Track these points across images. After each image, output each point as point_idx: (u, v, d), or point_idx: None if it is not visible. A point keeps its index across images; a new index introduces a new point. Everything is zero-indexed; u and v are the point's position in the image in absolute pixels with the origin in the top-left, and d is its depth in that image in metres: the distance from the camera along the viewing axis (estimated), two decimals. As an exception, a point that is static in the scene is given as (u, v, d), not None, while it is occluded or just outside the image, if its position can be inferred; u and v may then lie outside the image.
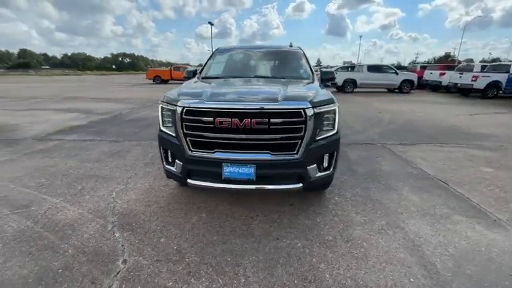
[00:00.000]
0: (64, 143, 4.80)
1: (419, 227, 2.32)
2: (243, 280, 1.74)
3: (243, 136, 2.12)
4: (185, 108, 2.17)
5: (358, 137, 5.39)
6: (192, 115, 2.16)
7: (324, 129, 2.29)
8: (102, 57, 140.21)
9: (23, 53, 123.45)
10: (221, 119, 2.08)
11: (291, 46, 4.00)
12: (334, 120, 2.34)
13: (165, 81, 25.45)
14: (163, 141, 2.43)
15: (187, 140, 2.23)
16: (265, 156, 2.16)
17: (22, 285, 1.67)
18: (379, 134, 5.63)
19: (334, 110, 2.32)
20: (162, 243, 2.10)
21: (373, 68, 15.01)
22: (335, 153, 2.40)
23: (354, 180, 3.30)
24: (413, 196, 2.90)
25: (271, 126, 2.09)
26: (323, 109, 2.22)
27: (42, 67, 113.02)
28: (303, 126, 2.12)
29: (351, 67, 16.92)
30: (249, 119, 2.06)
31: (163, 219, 2.42)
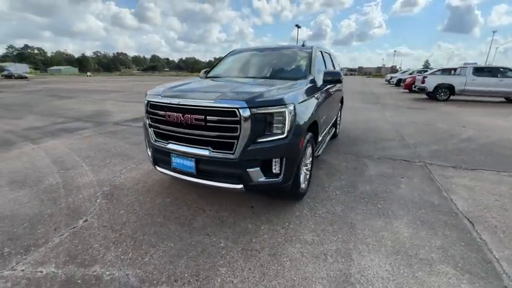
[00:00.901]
0: (128, 128, 6.06)
1: (374, 266, 1.87)
2: (147, 259, 1.90)
3: (186, 131, 2.25)
4: (149, 102, 2.48)
5: (399, 151, 4.50)
6: (152, 108, 2.45)
7: (268, 132, 2.15)
8: (207, 60, 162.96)
9: (154, 58, 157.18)
10: (169, 113, 2.29)
11: (303, 46, 3.77)
12: (283, 123, 2.15)
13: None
14: (144, 130, 2.83)
15: (152, 130, 2.54)
16: (204, 152, 2.22)
17: (21, 208, 2.38)
18: (433, 151, 4.50)
19: (281, 112, 2.13)
20: (119, 214, 2.49)
21: (483, 71, 11.73)
22: (284, 159, 2.21)
23: (343, 198, 2.87)
24: (405, 229, 2.30)
25: (207, 124, 2.15)
26: (264, 110, 2.09)
27: (165, 69, 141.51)
28: (238, 126, 2.06)
29: (451, 70, 13.77)
30: (189, 115, 2.18)
31: (136, 197, 2.83)
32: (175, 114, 2.25)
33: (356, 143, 5.08)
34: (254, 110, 2.05)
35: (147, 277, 1.75)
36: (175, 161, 2.36)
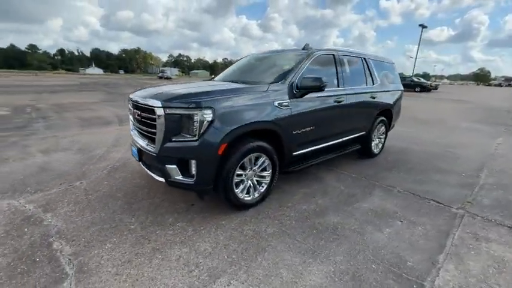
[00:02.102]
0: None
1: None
2: (78, 220, 2.40)
3: (136, 123, 2.62)
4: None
5: (443, 190, 3.25)
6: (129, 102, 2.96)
7: (184, 132, 2.19)
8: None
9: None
10: (129, 106, 2.72)
11: (303, 49, 3.34)
12: (195, 126, 2.14)
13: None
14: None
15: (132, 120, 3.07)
16: (142, 143, 2.51)
17: (61, 166, 3.43)
18: (505, 202, 2.99)
19: (192, 114, 2.12)
20: (102, 184, 3.16)
21: None
22: (195, 161, 2.19)
23: (290, 223, 2.47)
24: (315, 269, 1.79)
25: (142, 119, 2.43)
26: (176, 111, 2.15)
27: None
28: (154, 123, 2.23)
29: None
30: (134, 110, 2.53)
31: (126, 175, 3.46)
32: (131, 107, 2.67)
33: (392, 167, 4.04)
34: (167, 110, 2.17)
35: (65, 230, 2.23)
36: (132, 147, 2.79)
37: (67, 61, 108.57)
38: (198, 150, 2.17)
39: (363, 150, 4.32)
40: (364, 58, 3.98)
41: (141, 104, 2.42)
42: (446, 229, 2.44)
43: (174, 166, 2.27)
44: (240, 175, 2.53)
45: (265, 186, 2.77)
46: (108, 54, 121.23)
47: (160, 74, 51.56)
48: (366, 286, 1.75)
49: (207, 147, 2.17)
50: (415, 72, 44.56)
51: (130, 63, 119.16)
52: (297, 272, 1.86)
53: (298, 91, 2.78)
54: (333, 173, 3.78)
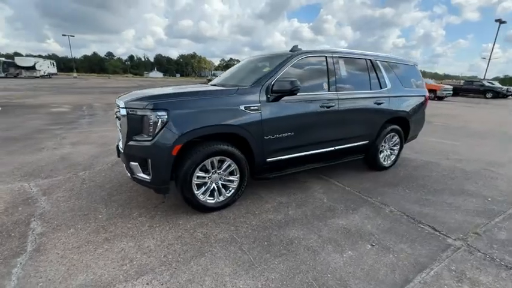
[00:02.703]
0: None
1: (142, 295, 1.64)
2: (55, 203, 2.72)
3: (117, 123, 2.86)
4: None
5: (451, 216, 2.71)
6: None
7: (143, 132, 2.30)
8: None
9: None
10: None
11: (291, 50, 3.14)
12: (150, 126, 2.23)
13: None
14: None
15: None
16: (119, 141, 2.73)
17: (78, 157, 3.96)
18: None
19: (146, 116, 2.22)
20: (101, 176, 3.51)
21: None
22: (150, 160, 2.28)
23: (245, 231, 2.38)
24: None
25: (116, 118, 2.64)
26: (135, 112, 2.28)
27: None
28: (120, 122, 2.40)
29: None
30: (115, 110, 2.77)
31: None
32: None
33: (399, 182, 3.56)
34: (128, 110, 2.33)
35: (47, 213, 2.55)
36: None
37: (135, 66, 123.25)
38: (152, 150, 2.26)
39: (368, 162, 3.91)
40: (370, 60, 3.59)
41: (116, 105, 2.64)
42: (425, 262, 2.04)
43: (136, 163, 2.41)
44: (203, 177, 2.54)
45: (232, 191, 2.73)
46: (168, 60, 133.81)
47: (209, 77, 54.86)
48: (285, 310, 1.59)
49: (161, 147, 2.25)
50: (495, 75, 38.03)
51: (186, 67, 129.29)
52: (221, 283, 1.78)
53: (271, 95, 2.67)
54: (325, 183, 3.50)
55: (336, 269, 1.94)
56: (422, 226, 2.54)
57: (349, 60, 3.41)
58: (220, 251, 2.10)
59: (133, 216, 2.56)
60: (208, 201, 2.61)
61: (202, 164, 2.47)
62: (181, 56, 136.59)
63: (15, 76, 35.12)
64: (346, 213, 2.74)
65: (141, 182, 2.45)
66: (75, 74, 49.62)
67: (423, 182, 3.63)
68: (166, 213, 2.64)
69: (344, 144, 3.42)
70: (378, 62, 3.66)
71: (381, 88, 3.64)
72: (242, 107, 2.54)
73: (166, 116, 2.23)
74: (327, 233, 2.38)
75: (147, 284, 1.75)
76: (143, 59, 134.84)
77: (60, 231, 2.29)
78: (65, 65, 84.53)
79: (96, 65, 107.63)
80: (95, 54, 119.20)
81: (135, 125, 2.33)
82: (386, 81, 3.70)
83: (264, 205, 2.86)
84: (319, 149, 3.21)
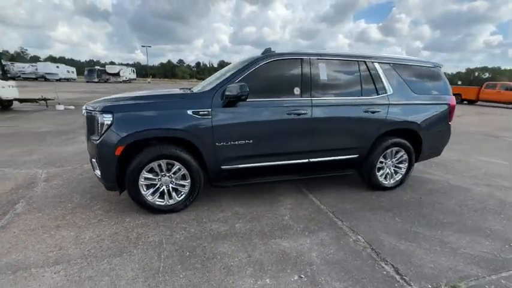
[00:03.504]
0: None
1: (43, 282, 1.77)
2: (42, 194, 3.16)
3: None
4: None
5: (440, 261, 2.09)
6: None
7: (94, 132, 2.48)
8: (455, 72, 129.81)
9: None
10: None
11: (262, 53, 2.89)
12: (98, 127, 2.39)
13: (471, 102, 20.11)
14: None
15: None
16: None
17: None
18: None
19: (94, 117, 2.39)
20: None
21: None
22: (97, 160, 2.45)
23: (179, 238, 2.33)
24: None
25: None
26: (89, 113, 2.48)
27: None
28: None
29: None
30: None
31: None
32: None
33: (393, 207, 2.97)
34: (86, 112, 2.55)
35: (36, 196, 3.00)
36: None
37: (200, 71, 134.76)
38: (99, 149, 2.43)
39: (364, 179, 3.38)
40: (364, 61, 3.09)
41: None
42: (352, 310, 1.64)
43: (94, 161, 2.63)
44: (152, 179, 2.60)
45: (183, 196, 2.71)
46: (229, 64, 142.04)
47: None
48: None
49: (104, 147, 2.40)
50: None
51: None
52: (114, 285, 1.78)
53: (224, 100, 2.56)
54: (300, 197, 3.16)
55: (238, 295, 1.73)
56: (383, 265, 2.05)
57: (334, 62, 3.01)
58: (139, 254, 2.10)
59: (93, 209, 2.79)
60: (157, 202, 2.65)
61: (150, 166, 2.53)
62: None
63: (105, 81, 42.50)
64: (298, 235, 2.42)
65: (98, 178, 2.66)
66: (149, 79, 57.16)
67: (428, 211, 2.94)
68: (123, 209, 2.79)
69: (322, 157, 3.03)
70: (375, 64, 3.13)
71: (378, 94, 3.10)
72: (190, 112, 2.51)
73: (111, 119, 2.37)
74: (259, 254, 2.14)
75: (55, 273, 1.88)
76: (208, 65, 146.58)
77: (31, 213, 2.66)
78: (145, 71, 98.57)
79: (169, 71, 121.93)
80: (168, 61, 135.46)
81: (90, 125, 2.54)
82: (386, 86, 3.13)
83: (217, 214, 2.75)
84: (289, 160, 2.92)
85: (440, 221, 2.73)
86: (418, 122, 3.26)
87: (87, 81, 39.73)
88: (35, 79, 37.85)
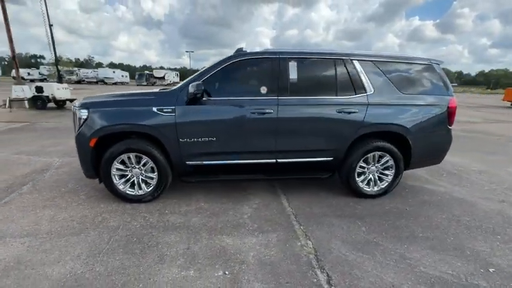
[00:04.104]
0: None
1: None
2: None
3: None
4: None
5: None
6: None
7: (76, 126, 2.81)
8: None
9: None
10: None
11: (234, 52, 2.90)
12: (77, 121, 2.71)
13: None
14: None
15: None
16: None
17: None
18: None
19: (75, 112, 2.70)
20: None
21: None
22: (76, 148, 2.77)
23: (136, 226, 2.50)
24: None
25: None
26: (74, 110, 2.80)
27: (452, 84, 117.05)
28: (74, 117, 3.00)
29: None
30: None
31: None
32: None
33: (366, 215, 2.74)
34: (72, 108, 2.90)
35: (40, 181, 3.49)
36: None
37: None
38: (76, 141, 2.75)
39: (344, 184, 3.18)
40: (342, 59, 2.91)
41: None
42: (256, 311, 1.59)
43: (78, 151, 2.98)
44: (123, 170, 2.84)
45: (152, 188, 2.89)
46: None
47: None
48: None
49: (81, 139, 2.70)
50: None
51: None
52: (60, 260, 2.00)
53: (187, 99, 2.68)
54: (270, 198, 3.12)
55: (159, 282, 1.81)
56: (317, 273, 1.93)
57: (307, 61, 2.91)
58: (94, 236, 2.32)
59: (79, 194, 3.14)
60: (127, 192, 2.88)
61: (121, 158, 2.78)
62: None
63: (153, 84, 46.50)
64: (247, 234, 2.40)
65: (81, 166, 3.01)
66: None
67: (405, 223, 2.64)
68: (103, 196, 3.08)
69: (291, 158, 2.94)
70: (354, 62, 2.92)
71: (355, 94, 2.90)
72: (155, 109, 2.68)
73: (86, 114, 2.67)
74: (198, 248, 2.20)
75: (21, 243, 2.19)
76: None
77: (31, 194, 3.11)
78: (189, 75, 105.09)
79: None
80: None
81: (75, 120, 2.89)
82: (366, 86, 2.91)
83: (182, 207, 2.88)
84: (255, 160, 2.91)
85: (413, 235, 2.44)
86: (406, 125, 2.94)
87: (137, 85, 43.93)
88: (96, 83, 43.37)
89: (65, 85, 11.48)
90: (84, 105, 2.72)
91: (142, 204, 2.91)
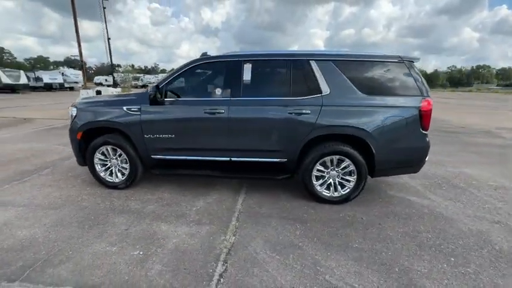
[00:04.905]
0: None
1: (4, 215, 2.73)
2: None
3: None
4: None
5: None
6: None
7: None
8: None
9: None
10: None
11: (199, 56, 3.08)
12: (70, 117, 3.30)
13: None
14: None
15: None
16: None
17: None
18: None
19: (70, 108, 3.28)
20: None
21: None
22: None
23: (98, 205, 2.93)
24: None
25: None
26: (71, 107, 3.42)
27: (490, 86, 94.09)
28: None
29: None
30: None
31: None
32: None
33: (310, 220, 2.66)
34: (70, 106, 3.53)
35: (43, 164, 4.30)
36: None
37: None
38: (69, 134, 3.35)
39: (303, 187, 3.11)
40: (299, 60, 2.85)
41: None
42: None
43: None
44: (104, 160, 3.34)
45: (126, 176, 3.33)
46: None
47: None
48: None
49: (71, 132, 3.29)
50: None
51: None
52: (44, 229, 2.54)
53: (149, 100, 3.02)
54: (229, 195, 3.24)
55: (85, 252, 2.16)
56: (214, 265, 2.02)
57: (262, 63, 2.96)
58: (65, 211, 2.82)
59: (80, 178, 3.78)
60: (107, 179, 3.37)
61: (101, 150, 3.28)
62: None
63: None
64: (183, 224, 2.61)
65: (78, 155, 3.63)
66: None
67: (347, 232, 2.47)
68: (93, 182, 3.60)
69: (245, 157, 3.02)
70: (311, 62, 2.84)
71: (310, 95, 2.82)
72: (125, 108, 3.10)
73: (75, 111, 3.25)
74: (135, 230, 2.49)
75: (14, 211, 2.81)
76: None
77: (47, 176, 3.88)
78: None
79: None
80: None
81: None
82: (322, 86, 2.80)
83: (146, 196, 3.22)
84: (210, 157, 3.09)
85: (347, 245, 2.28)
86: (366, 128, 2.73)
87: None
88: (156, 87, 48.64)
89: (119, 89, 13.45)
90: (74, 105, 3.32)
91: (118, 190, 3.37)
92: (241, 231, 2.49)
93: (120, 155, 3.28)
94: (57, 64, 75.90)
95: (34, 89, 28.02)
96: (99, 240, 2.34)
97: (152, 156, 3.20)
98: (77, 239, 2.34)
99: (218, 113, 2.92)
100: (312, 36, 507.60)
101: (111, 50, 17.03)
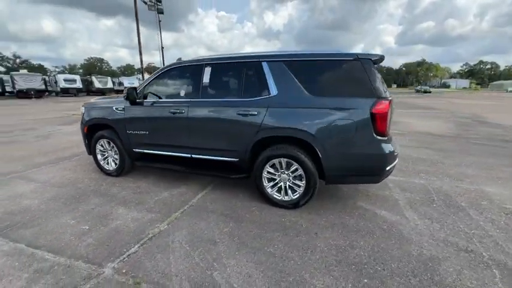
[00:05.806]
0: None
1: (26, 188, 3.60)
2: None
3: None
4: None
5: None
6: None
7: (86, 118, 4.19)
8: None
9: None
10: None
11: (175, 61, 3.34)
12: (82, 114, 4.05)
13: None
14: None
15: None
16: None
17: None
18: None
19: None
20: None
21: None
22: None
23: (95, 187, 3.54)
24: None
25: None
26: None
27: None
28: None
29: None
30: None
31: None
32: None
33: (251, 222, 2.67)
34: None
35: (72, 159, 5.27)
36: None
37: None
38: (80, 127, 4.12)
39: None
40: (252, 62, 2.87)
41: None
42: (65, 253, 2.18)
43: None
44: (103, 151, 4.00)
45: (117, 166, 3.91)
46: (388, 69, 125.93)
47: (418, 87, 46.26)
48: None
49: (81, 126, 4.04)
50: None
51: (408, 76, 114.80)
52: (35, 198, 3.28)
53: (128, 100, 3.49)
54: (196, 189, 3.47)
55: (54, 221, 2.71)
56: (132, 245, 2.27)
57: (220, 66, 3.08)
58: (64, 190, 3.52)
59: (90, 166, 4.58)
60: (105, 167, 4.02)
61: (101, 142, 3.94)
62: (405, 65, 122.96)
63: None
64: (136, 210, 2.95)
65: (91, 146, 4.42)
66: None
67: (277, 237, 2.41)
68: (85, 164, 4.39)
69: (202, 155, 3.20)
70: (263, 63, 2.83)
71: (259, 96, 2.81)
72: (114, 108, 3.66)
73: (84, 110, 3.99)
74: (99, 210, 2.96)
75: (34, 186, 3.66)
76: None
77: (72, 162, 4.82)
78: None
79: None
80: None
81: (84, 113, 4.31)
82: (270, 87, 2.75)
83: (129, 183, 3.72)
84: (176, 153, 3.38)
85: (261, 247, 2.24)
86: (310, 131, 2.58)
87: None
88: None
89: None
90: (83, 105, 4.08)
91: (111, 177, 3.98)
92: (177, 222, 2.69)
93: (113, 147, 3.88)
94: (138, 70, 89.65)
95: (117, 92, 33.78)
96: (68, 214, 2.88)
97: (134, 149, 3.68)
98: (54, 211, 2.94)
99: (180, 113, 3.19)
100: (381, 32, 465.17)
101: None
